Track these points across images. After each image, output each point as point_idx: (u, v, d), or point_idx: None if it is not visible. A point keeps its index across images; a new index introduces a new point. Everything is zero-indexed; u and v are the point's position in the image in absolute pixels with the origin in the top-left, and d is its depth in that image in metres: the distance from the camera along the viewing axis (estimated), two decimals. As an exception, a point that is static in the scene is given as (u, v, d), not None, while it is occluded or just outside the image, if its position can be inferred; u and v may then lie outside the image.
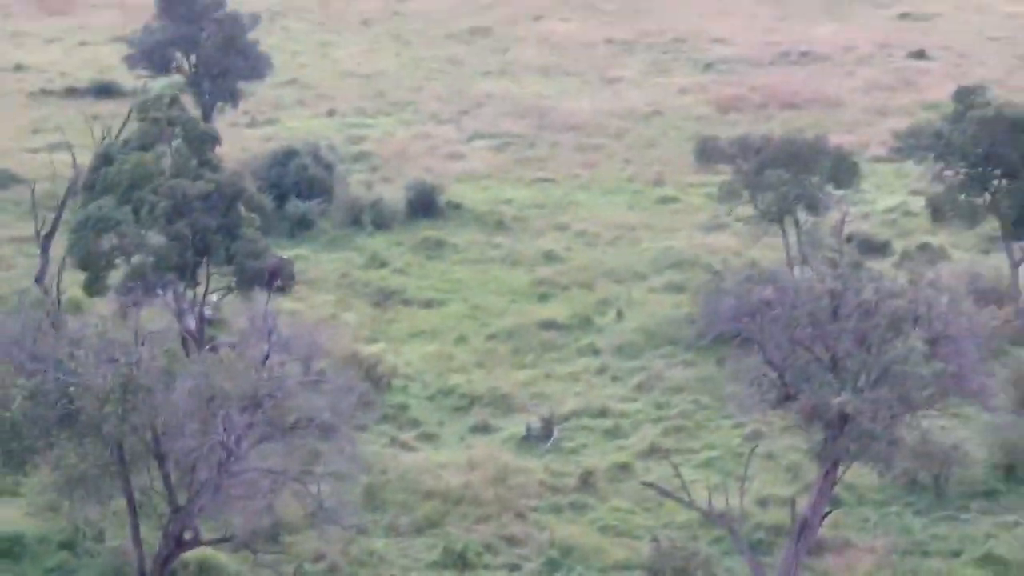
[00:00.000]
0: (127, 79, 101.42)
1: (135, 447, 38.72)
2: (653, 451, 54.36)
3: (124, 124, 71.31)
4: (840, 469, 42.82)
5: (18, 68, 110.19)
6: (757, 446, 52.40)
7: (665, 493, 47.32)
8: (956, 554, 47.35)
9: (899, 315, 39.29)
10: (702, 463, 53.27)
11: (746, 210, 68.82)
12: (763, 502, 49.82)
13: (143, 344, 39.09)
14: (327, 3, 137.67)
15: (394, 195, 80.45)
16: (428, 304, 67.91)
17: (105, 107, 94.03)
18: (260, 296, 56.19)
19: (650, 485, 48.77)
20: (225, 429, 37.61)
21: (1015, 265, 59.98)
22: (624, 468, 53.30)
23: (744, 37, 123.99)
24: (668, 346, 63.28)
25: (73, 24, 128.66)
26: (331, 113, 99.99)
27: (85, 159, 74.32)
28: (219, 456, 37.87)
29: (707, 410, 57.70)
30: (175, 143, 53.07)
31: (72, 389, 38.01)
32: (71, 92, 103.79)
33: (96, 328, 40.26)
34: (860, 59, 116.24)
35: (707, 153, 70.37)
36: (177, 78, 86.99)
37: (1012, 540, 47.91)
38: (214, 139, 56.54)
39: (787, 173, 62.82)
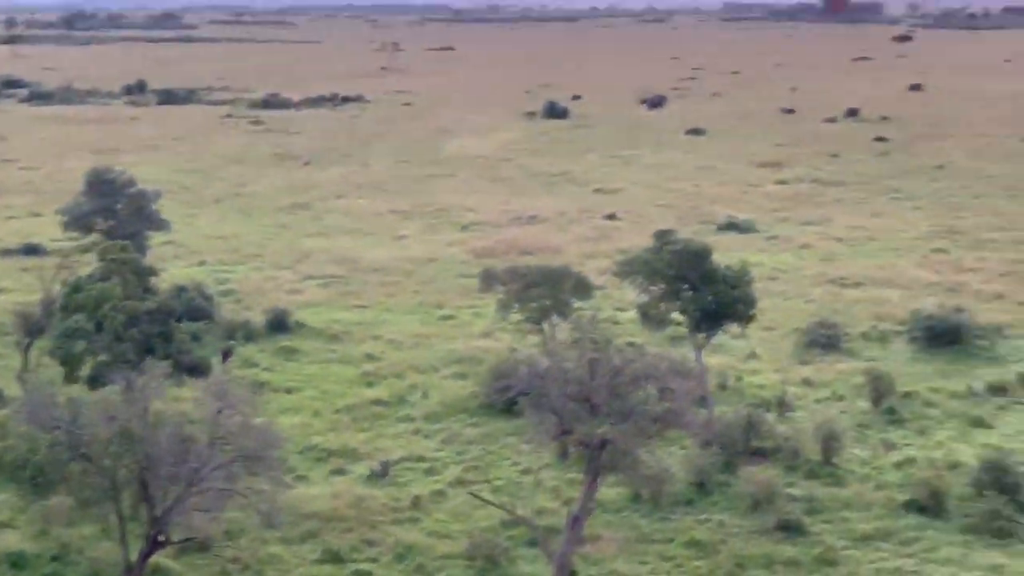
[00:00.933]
0: (47, 242, 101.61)
1: (125, 476, 39.26)
2: (459, 482, 55.56)
3: (57, 271, 70.32)
4: (598, 480, 44.36)
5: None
6: (535, 475, 55.50)
7: (486, 501, 49.34)
8: (670, 540, 49.62)
9: (638, 374, 41.98)
10: (494, 489, 54.46)
11: (515, 316, 70.20)
12: (539, 512, 51.52)
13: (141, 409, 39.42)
14: (188, 187, 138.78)
15: (256, 318, 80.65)
16: (289, 391, 68.25)
17: (32, 262, 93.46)
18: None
19: (476, 496, 50.44)
20: (194, 460, 38.96)
21: (698, 348, 62.29)
22: (440, 493, 54.55)
23: (488, 208, 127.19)
24: (461, 414, 64.56)
25: (3, 204, 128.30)
26: (202, 263, 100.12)
27: (21, 299, 78.69)
28: (188, 478, 39.03)
29: (492, 455, 58.96)
30: (125, 276, 53.75)
31: (85, 438, 38.51)
32: (6, 252, 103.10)
33: (99, 400, 40.77)
34: (570, 220, 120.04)
35: (488, 279, 71.02)
36: (97, 237, 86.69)
37: (705, 530, 50.27)
38: (152, 272, 57.78)
39: (544, 291, 65.03)
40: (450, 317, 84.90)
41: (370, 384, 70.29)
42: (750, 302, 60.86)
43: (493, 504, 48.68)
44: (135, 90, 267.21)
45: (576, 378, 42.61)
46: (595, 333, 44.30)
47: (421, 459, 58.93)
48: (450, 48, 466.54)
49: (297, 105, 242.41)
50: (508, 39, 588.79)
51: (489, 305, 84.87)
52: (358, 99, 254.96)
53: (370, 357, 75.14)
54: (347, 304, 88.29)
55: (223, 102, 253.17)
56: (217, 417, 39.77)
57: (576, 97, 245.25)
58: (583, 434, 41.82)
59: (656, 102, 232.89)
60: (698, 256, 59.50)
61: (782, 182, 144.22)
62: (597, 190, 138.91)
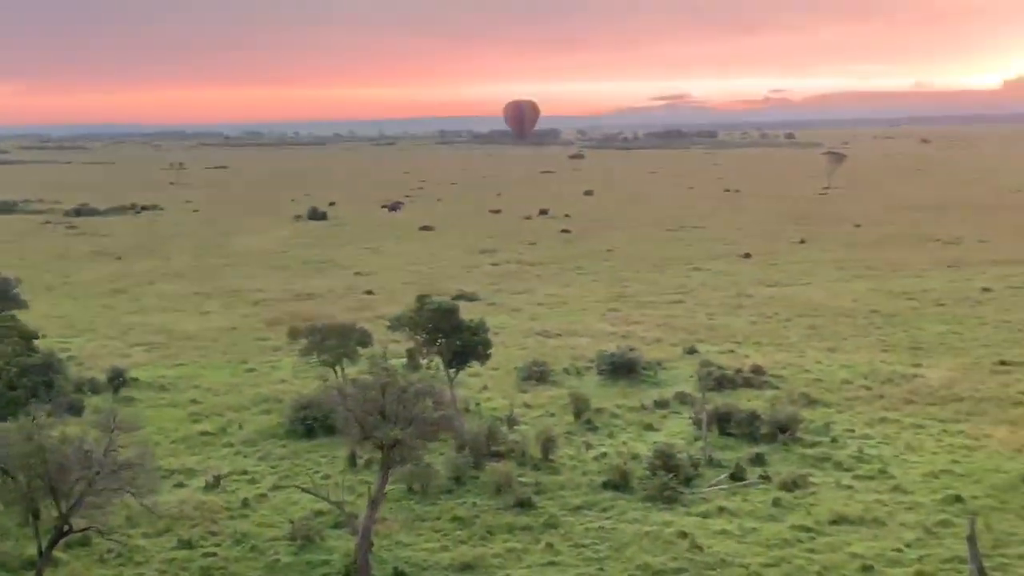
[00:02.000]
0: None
1: (36, 483, 40.05)
2: (276, 487, 57.29)
3: None
4: (389, 472, 46.79)
5: None
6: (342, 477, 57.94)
7: (312, 492, 50.90)
8: (437, 518, 52.42)
9: (419, 391, 45.51)
10: (303, 490, 55.85)
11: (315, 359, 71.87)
12: (351, 488, 52.57)
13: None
14: (22, 279, 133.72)
15: (99, 375, 79.88)
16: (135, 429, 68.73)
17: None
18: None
19: (304, 489, 51.93)
20: (95, 466, 40.14)
21: (450, 380, 65.82)
22: (263, 495, 56.13)
23: (273, 288, 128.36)
24: (271, 439, 66.05)
25: None
26: (44, 336, 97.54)
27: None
28: (88, 480, 40.05)
29: (298, 467, 60.62)
30: (14, 338, 53.87)
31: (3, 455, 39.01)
32: None
33: (16, 426, 40.92)
34: (339, 295, 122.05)
35: (295, 334, 72.22)
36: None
37: (463, 509, 53.24)
38: (35, 336, 57.84)
39: (337, 341, 67.54)
40: (253, 370, 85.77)
41: (196, 420, 70.95)
42: (487, 345, 65.21)
43: (314, 493, 50.59)
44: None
45: (372, 396, 45.66)
46: (386, 364, 47.60)
47: (244, 472, 60.27)
48: (224, 167, 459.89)
49: (104, 213, 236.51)
50: (271, 159, 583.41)
51: (283, 359, 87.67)
52: (154, 207, 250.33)
53: (194, 401, 75.68)
54: (169, 363, 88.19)
55: (40, 211, 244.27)
56: (111, 434, 41.24)
57: (332, 203, 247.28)
58: (380, 436, 44.71)
59: (394, 206, 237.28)
60: (449, 312, 63.24)
61: (495, 264, 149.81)
62: (357, 273, 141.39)
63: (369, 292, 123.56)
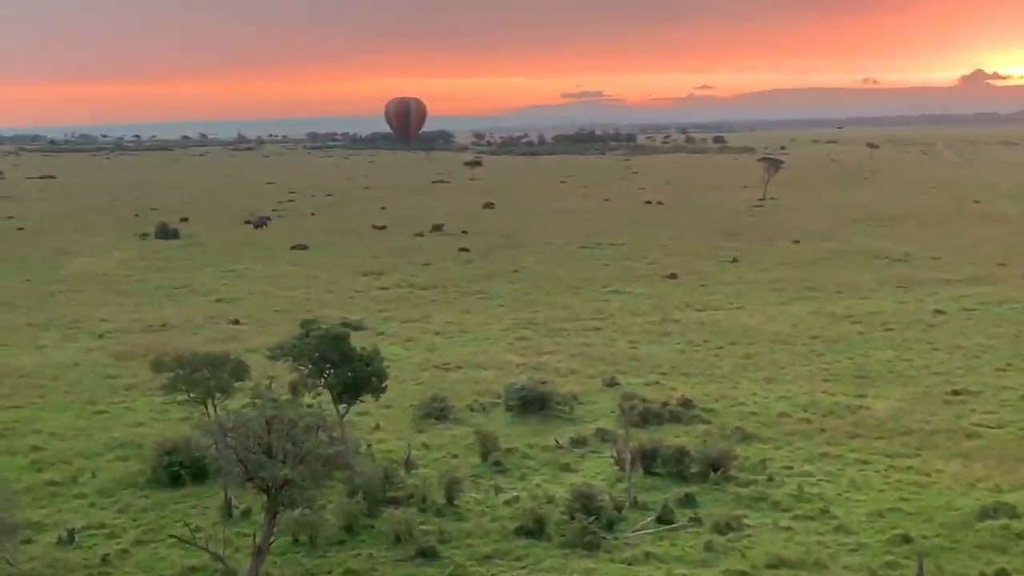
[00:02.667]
0: None
1: None
2: (139, 542, 58.60)
3: None
4: (277, 517, 49.53)
5: None
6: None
7: (188, 541, 52.86)
8: (328, 572, 54.26)
9: (310, 424, 47.90)
10: (171, 545, 57.07)
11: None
12: (227, 541, 54.52)
13: None
14: None
15: None
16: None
17: None
18: None
19: (178, 539, 53.91)
20: None
21: (341, 417, 67.40)
22: (125, 551, 57.21)
23: (120, 317, 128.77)
24: (130, 488, 67.46)
25: None
26: None
27: None
28: None
29: (164, 519, 61.77)
30: None
31: None
32: None
33: None
34: (199, 326, 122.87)
35: (158, 365, 72.61)
36: None
37: (358, 561, 55.21)
38: None
39: (208, 373, 68.76)
40: (104, 411, 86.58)
41: (41, 469, 71.63)
42: (382, 377, 67.66)
43: (190, 542, 52.39)
44: None
45: (256, 432, 47.90)
46: (272, 395, 49.88)
47: (102, 526, 61.38)
48: (52, 176, 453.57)
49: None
50: (107, 167, 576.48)
51: (138, 399, 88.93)
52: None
53: (36, 448, 76.26)
54: (2, 405, 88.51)
55: None
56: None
57: (184, 219, 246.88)
58: (266, 476, 46.93)
59: (260, 222, 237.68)
60: (338, 339, 65.41)
61: (383, 288, 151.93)
62: (219, 300, 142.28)
63: (236, 322, 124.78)
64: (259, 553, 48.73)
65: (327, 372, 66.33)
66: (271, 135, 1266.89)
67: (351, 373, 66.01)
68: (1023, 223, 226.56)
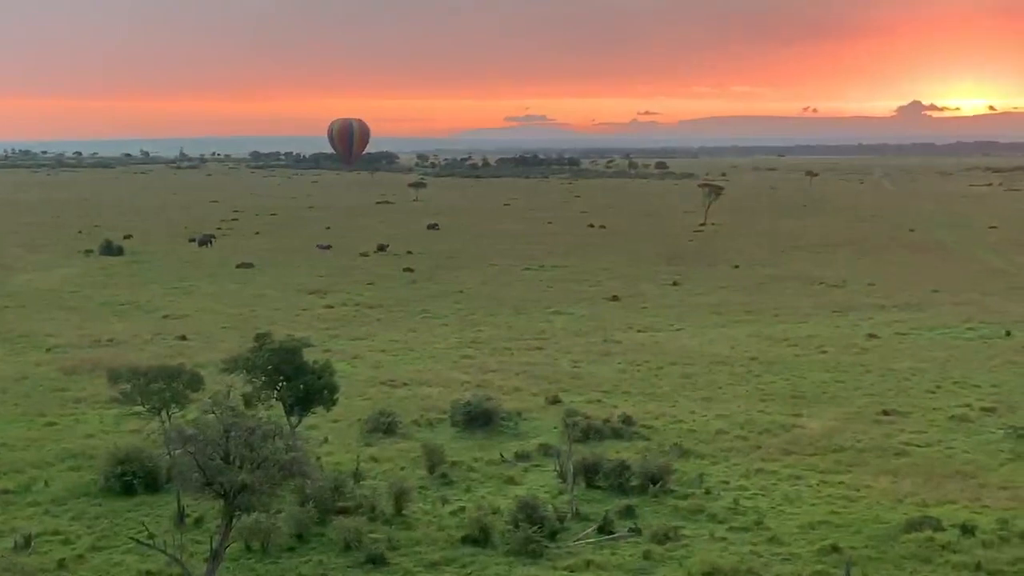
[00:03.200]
0: None
1: None
2: (94, 548, 59.88)
3: None
4: (233, 521, 50.53)
5: None
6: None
7: (147, 544, 54.08)
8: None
9: (268, 432, 49.55)
10: (126, 551, 58.88)
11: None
12: (181, 547, 54.23)
13: None
14: None
15: None
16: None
17: None
18: None
19: (137, 541, 55.22)
20: None
21: (293, 428, 68.78)
22: (81, 557, 58.38)
23: (66, 333, 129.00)
24: (84, 497, 68.62)
25: None
26: None
27: None
28: None
29: (118, 526, 63.22)
30: None
31: None
32: None
33: None
34: (146, 341, 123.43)
35: (115, 377, 73.79)
36: None
37: (309, 567, 57.02)
38: None
39: (163, 384, 70.18)
40: (54, 423, 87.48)
41: (-3, 482, 72.50)
42: (334, 390, 69.45)
43: (149, 545, 53.64)
44: None
45: (214, 439, 49.51)
46: (231, 403, 51.45)
47: (57, 532, 62.52)
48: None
49: None
50: (49, 183, 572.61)
51: (88, 412, 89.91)
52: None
53: (-13, 463, 77.02)
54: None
55: None
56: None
57: (128, 236, 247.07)
58: (224, 482, 48.50)
59: (204, 240, 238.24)
60: (291, 352, 67.24)
61: (329, 306, 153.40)
62: (165, 316, 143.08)
63: (183, 338, 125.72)
64: (216, 557, 50.24)
65: (280, 384, 67.87)
66: (214, 153, 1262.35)
67: (303, 386, 67.64)
68: (957, 251, 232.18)
